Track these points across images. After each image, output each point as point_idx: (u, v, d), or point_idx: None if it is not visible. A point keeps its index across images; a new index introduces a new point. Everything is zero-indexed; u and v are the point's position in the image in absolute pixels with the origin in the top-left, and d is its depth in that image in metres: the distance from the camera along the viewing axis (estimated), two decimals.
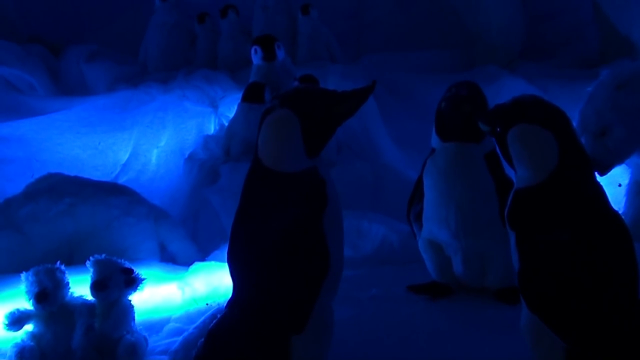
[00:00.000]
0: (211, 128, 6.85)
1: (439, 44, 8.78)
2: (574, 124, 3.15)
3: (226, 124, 6.57)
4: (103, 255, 3.61)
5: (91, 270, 3.56)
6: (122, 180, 5.90)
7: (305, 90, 3.03)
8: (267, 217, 2.81)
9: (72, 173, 5.03)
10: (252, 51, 6.57)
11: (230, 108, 6.78)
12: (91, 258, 3.60)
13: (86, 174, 5.11)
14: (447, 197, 3.83)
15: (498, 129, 2.97)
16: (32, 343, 3.52)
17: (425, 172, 3.96)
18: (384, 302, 3.94)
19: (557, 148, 2.79)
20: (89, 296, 3.62)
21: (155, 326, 3.83)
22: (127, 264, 3.61)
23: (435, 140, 3.94)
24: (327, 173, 2.95)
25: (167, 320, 3.90)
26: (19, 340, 3.55)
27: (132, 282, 3.57)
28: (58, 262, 3.67)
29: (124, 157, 6.67)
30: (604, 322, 2.66)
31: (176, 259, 4.82)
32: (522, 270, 2.77)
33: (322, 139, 2.91)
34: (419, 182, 4.04)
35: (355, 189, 5.70)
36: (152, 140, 6.78)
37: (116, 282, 3.53)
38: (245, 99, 6.01)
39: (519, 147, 2.87)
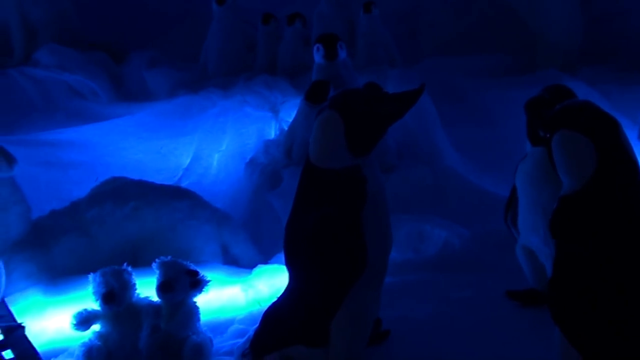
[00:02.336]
0: (271, 133, 6.90)
1: (497, 47, 8.69)
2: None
3: (286, 128, 6.61)
4: (169, 257, 3.66)
5: (157, 271, 3.61)
6: (184, 184, 5.96)
7: (353, 93, 3.14)
8: (310, 210, 2.98)
9: (135, 177, 5.08)
10: (315, 49, 6.57)
11: (290, 113, 6.82)
12: (157, 260, 3.65)
13: (149, 178, 5.15)
14: (535, 202, 3.77)
15: (547, 135, 2.93)
16: (99, 342, 3.59)
17: (516, 176, 3.93)
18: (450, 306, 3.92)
19: (596, 155, 2.71)
20: (154, 297, 3.68)
21: (220, 327, 3.87)
22: (193, 266, 3.66)
23: (527, 145, 3.90)
24: (372, 172, 3.03)
25: (231, 322, 3.94)
26: (86, 340, 3.62)
27: (198, 283, 3.61)
28: (125, 264, 3.73)
29: (185, 161, 6.75)
30: (627, 344, 2.61)
31: (238, 262, 4.85)
32: (552, 279, 2.76)
33: (368, 139, 3.01)
34: (514, 186, 4.00)
35: (416, 192, 5.68)
36: (213, 144, 6.86)
37: (182, 284, 3.57)
38: (307, 97, 6.00)
39: (559, 153, 2.82)
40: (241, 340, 3.53)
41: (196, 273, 3.62)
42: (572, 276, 2.69)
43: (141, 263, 3.91)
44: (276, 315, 3.15)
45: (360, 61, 8.09)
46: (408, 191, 5.61)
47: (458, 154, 6.61)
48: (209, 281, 3.64)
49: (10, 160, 4.13)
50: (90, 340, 3.61)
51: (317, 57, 6.55)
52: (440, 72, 7.96)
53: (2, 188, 4.25)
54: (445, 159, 6.47)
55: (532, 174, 3.79)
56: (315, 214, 2.96)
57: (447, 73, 7.95)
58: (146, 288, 3.78)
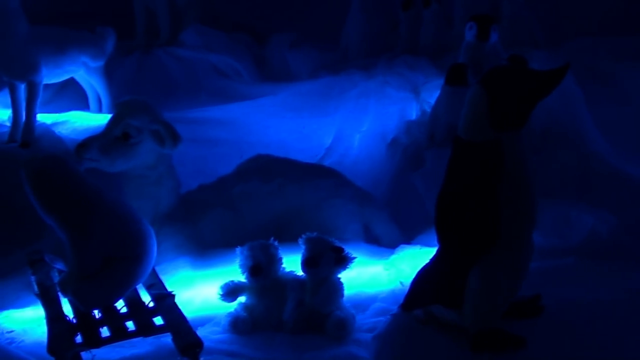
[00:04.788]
0: (413, 114, 6.85)
1: None
2: None
3: (428, 110, 6.55)
4: (315, 234, 3.71)
5: (303, 247, 3.67)
6: (326, 164, 5.99)
7: (500, 69, 3.16)
8: (453, 180, 3.16)
9: (279, 155, 5.15)
10: (467, 27, 6.49)
11: (432, 94, 6.75)
12: (303, 236, 3.70)
13: (291, 157, 5.21)
14: None
15: None
16: (244, 314, 3.68)
17: None
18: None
19: None
20: (299, 272, 3.73)
21: (362, 305, 3.89)
22: (338, 243, 3.69)
23: None
24: (515, 149, 3.07)
25: (373, 300, 3.95)
26: (232, 310, 3.72)
27: (343, 260, 3.65)
28: (272, 239, 3.80)
29: (327, 141, 6.79)
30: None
31: (380, 241, 4.85)
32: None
33: (512, 115, 3.06)
34: None
35: (559, 176, 5.53)
36: (354, 125, 6.87)
37: (327, 260, 3.62)
38: (447, 81, 5.95)
39: None
40: (383, 319, 3.54)
41: (341, 250, 3.66)
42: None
43: (285, 239, 3.95)
44: (423, 275, 3.36)
45: (504, 42, 7.93)
46: (551, 175, 5.47)
47: (604, 138, 6.39)
48: (354, 258, 3.67)
49: (175, 138, 4.24)
50: (236, 310, 3.71)
51: (469, 35, 6.47)
52: (585, 53, 7.70)
53: (161, 164, 4.39)
54: (590, 143, 6.26)
55: None
56: (450, 185, 3.16)
57: (592, 55, 7.67)
58: (289, 263, 3.85)
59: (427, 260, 3.45)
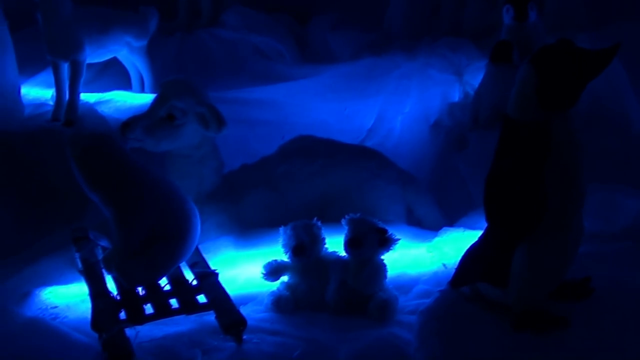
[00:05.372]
0: (456, 96, 6.80)
1: None
2: None
3: (471, 92, 6.49)
4: (358, 214, 3.69)
5: (346, 228, 3.65)
6: (367, 145, 5.97)
7: (550, 48, 3.12)
8: (501, 159, 3.15)
9: (321, 136, 5.13)
10: (504, 10, 6.44)
11: (475, 76, 6.70)
12: (347, 216, 3.68)
13: (333, 138, 5.19)
14: None
15: None
16: (287, 293, 3.68)
17: None
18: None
19: None
20: (341, 253, 3.72)
21: (404, 287, 3.86)
22: (381, 224, 3.67)
23: None
24: (564, 129, 3.05)
25: (415, 282, 3.92)
26: (274, 289, 3.71)
27: (386, 241, 3.62)
28: (315, 219, 3.79)
29: (369, 122, 6.76)
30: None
31: (422, 223, 4.82)
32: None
33: (561, 95, 3.03)
34: None
35: (604, 160, 5.44)
36: (396, 107, 6.83)
37: (370, 241, 3.60)
38: (492, 58, 5.87)
39: None
40: (426, 301, 3.52)
41: (385, 231, 3.63)
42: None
43: (327, 220, 3.93)
44: (472, 253, 3.38)
45: (549, 24, 7.84)
46: (596, 158, 5.38)
47: None
48: (398, 240, 3.65)
49: (220, 122, 4.23)
50: (278, 289, 3.71)
51: (507, 18, 6.41)
52: (630, 36, 7.56)
53: (205, 144, 4.39)
54: (635, 126, 6.19)
55: None
56: (498, 164, 3.16)
57: (637, 38, 7.53)
58: (331, 244, 3.84)
59: (471, 243, 3.43)
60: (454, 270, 3.53)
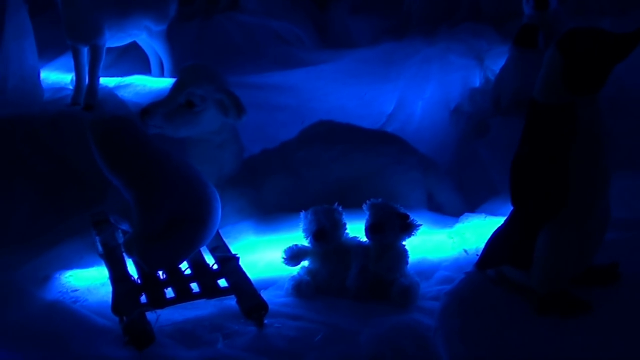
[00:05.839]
0: (476, 81, 6.76)
1: None
2: None
3: (492, 78, 6.44)
4: (380, 200, 3.67)
5: (368, 213, 3.63)
6: (388, 130, 5.94)
7: (577, 31, 3.07)
8: (527, 142, 3.12)
9: (341, 121, 5.11)
10: (524, 1, 6.35)
11: (496, 62, 6.65)
12: (368, 201, 3.66)
13: (353, 123, 5.17)
14: None
15: None
16: (308, 278, 3.67)
17: None
18: None
19: None
20: (363, 238, 3.70)
21: (426, 273, 3.84)
22: (403, 210, 3.64)
23: None
24: (591, 113, 3.02)
25: (437, 268, 3.90)
26: (295, 274, 3.70)
27: (408, 227, 3.60)
28: (336, 204, 3.77)
29: (389, 108, 6.74)
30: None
31: (443, 209, 4.79)
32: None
33: (587, 78, 3.00)
34: None
35: (625, 147, 5.39)
36: (416, 92, 6.81)
37: (392, 226, 3.58)
38: (516, 42, 5.80)
39: None
40: (447, 287, 3.50)
41: (407, 216, 3.61)
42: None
43: (347, 205, 3.91)
44: (497, 236, 3.36)
45: (570, 11, 7.75)
46: (617, 145, 5.33)
47: None
48: (419, 225, 3.63)
49: (240, 109, 4.21)
50: (299, 274, 3.70)
51: (527, 8, 6.32)
52: None
53: (225, 129, 4.38)
54: None
55: None
56: (524, 147, 3.12)
57: None
58: (351, 230, 3.82)
59: (493, 229, 3.41)
60: (475, 256, 3.51)
